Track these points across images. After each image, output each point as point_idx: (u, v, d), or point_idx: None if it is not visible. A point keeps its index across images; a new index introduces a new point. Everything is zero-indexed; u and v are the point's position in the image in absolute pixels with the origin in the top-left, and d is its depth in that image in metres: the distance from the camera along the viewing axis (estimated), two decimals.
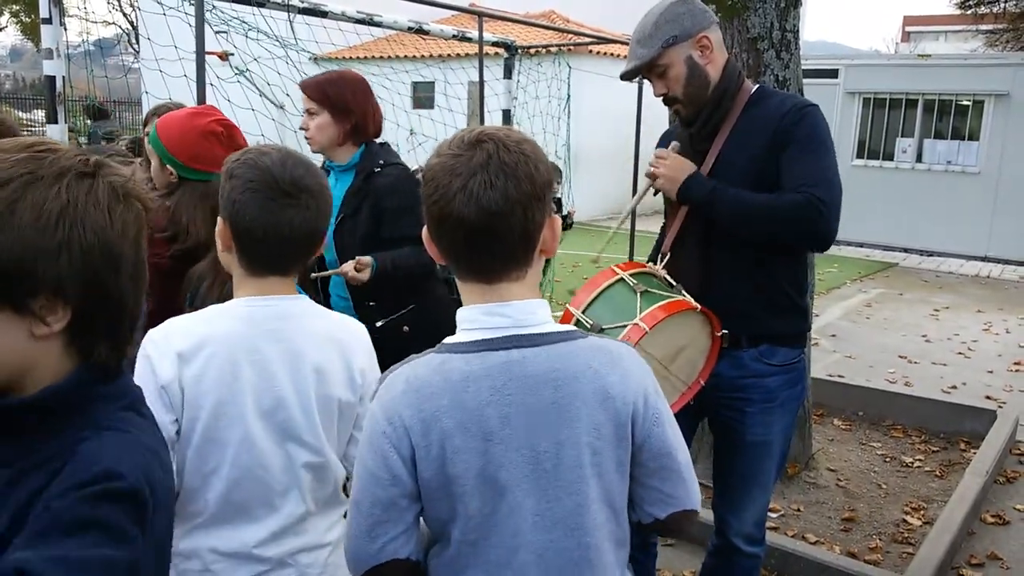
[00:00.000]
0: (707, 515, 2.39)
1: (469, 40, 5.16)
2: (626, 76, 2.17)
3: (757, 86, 2.18)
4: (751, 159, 2.07)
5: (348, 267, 2.46)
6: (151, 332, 1.44)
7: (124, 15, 33.13)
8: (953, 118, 11.28)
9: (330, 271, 2.56)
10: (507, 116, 5.64)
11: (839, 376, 5.50)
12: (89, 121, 11.08)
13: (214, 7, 3.80)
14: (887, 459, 4.26)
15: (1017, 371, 6.14)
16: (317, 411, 1.48)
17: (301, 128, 2.64)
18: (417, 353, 1.22)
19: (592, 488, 1.18)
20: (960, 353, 6.61)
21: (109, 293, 0.94)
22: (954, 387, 5.66)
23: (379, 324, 2.51)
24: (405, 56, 16.01)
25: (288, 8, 3.92)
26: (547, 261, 2.17)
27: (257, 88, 6.08)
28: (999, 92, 10.76)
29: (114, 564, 0.82)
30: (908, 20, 38.72)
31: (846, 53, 18.07)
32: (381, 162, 2.63)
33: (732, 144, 2.11)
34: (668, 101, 2.16)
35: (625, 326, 1.92)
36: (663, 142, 2.37)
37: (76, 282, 0.90)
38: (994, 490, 3.93)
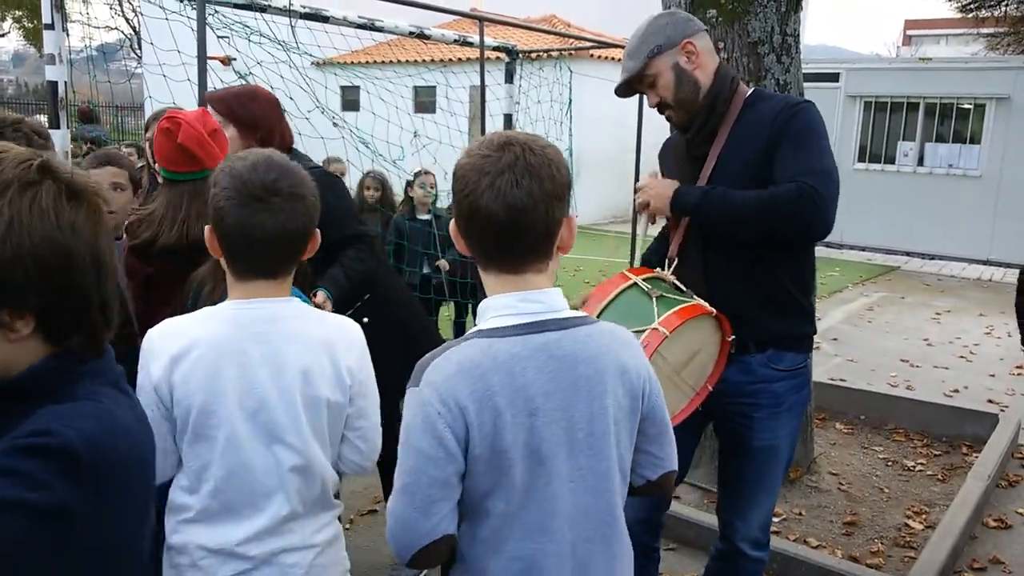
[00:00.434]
0: (710, 519, 2.39)
1: (470, 45, 5.17)
2: (619, 92, 2.21)
3: (753, 89, 2.18)
4: (749, 162, 2.06)
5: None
6: (151, 331, 1.50)
7: (126, 20, 33.22)
8: (954, 121, 11.29)
9: None
10: (509, 120, 5.63)
11: (841, 380, 5.49)
12: (77, 124, 11.18)
13: (216, 11, 3.81)
14: (889, 463, 4.26)
15: (1019, 375, 6.13)
16: (303, 412, 1.50)
17: None
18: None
19: (613, 454, 1.32)
20: (962, 357, 6.61)
21: (71, 290, 0.98)
22: (956, 391, 5.66)
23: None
24: (407, 60, 16.08)
25: (290, 13, 3.93)
26: None
27: None
28: (1000, 95, 10.77)
29: (24, 503, 0.87)
30: (909, 24, 38.80)
31: (847, 57, 18.06)
32: None
33: (729, 148, 2.11)
34: (662, 108, 2.17)
35: (644, 331, 1.89)
36: (664, 151, 2.39)
37: (34, 290, 0.94)
38: (996, 494, 3.93)
